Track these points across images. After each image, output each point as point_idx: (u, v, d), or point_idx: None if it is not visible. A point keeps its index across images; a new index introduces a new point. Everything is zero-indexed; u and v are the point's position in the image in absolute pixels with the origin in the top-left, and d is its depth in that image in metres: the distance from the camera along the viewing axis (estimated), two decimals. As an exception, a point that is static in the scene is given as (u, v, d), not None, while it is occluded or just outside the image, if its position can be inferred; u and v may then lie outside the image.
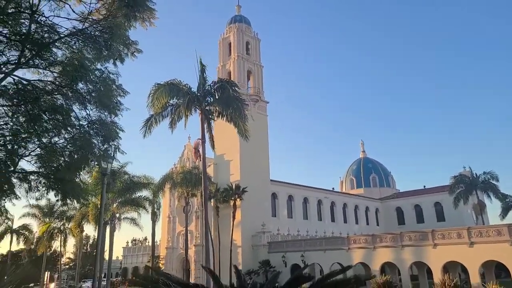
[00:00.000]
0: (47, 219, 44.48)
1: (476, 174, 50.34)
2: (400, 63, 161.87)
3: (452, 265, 32.28)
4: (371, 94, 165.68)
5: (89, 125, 11.37)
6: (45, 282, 40.82)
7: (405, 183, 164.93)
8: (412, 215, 65.72)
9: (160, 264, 52.86)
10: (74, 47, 12.11)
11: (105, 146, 11.53)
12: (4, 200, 13.43)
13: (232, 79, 41.07)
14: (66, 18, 10.89)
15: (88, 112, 11.24)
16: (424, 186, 69.85)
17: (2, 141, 13.26)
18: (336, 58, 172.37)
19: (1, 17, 11.18)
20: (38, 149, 12.66)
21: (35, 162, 12.62)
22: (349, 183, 75.95)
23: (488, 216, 59.92)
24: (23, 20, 11.80)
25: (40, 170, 12.79)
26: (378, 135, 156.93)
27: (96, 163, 12.47)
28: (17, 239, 51.29)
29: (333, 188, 67.96)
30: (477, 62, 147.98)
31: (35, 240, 51.01)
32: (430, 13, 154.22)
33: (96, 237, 28.11)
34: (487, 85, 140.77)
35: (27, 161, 12.71)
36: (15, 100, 11.47)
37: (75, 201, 13.22)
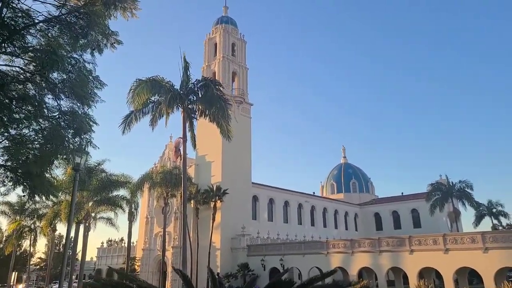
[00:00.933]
0: (18, 217, 42.64)
1: (452, 182, 51.57)
2: (384, 68, 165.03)
3: (427, 271, 32.72)
4: (354, 100, 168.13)
5: (60, 116, 10.73)
6: (11, 283, 38.92)
7: (384, 189, 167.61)
8: (390, 221, 66.70)
9: (136, 266, 51.57)
10: (50, 34, 11.49)
11: (76, 139, 10.91)
12: (-33, 194, 12.60)
13: (217, 80, 40.65)
14: (41, 1, 10.26)
15: (58, 102, 10.60)
16: (402, 193, 71.15)
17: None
18: (322, 61, 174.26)
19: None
20: (5, 141, 11.91)
21: (2, 155, 11.87)
22: (330, 188, 76.52)
23: (462, 223, 61.42)
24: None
25: (7, 163, 12.03)
26: (359, 141, 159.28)
27: (65, 157, 11.78)
28: (-15, 237, 49.13)
29: (313, 193, 68.25)
30: (457, 70, 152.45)
31: (3, 238, 48.85)
32: (414, 11, 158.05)
33: (71, 237, 26.91)
34: (469, 93, 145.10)
35: (-7, 153, 11.94)
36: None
37: (44, 197, 12.48)
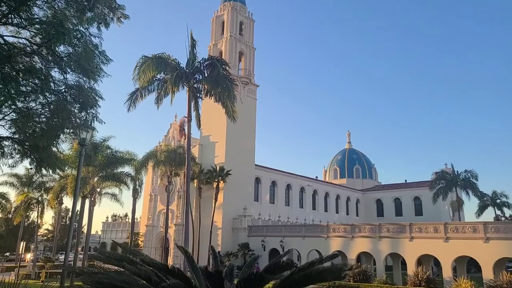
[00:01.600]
0: (26, 189, 43.43)
1: (457, 171, 51.29)
2: (391, 58, 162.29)
3: (426, 258, 33.02)
4: (361, 87, 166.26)
5: (66, 90, 10.74)
6: (20, 252, 40.07)
7: (387, 176, 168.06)
8: (392, 208, 66.96)
9: (140, 241, 52.62)
10: (56, 6, 11.36)
11: (82, 113, 10.95)
12: (-25, 165, 12.79)
13: (223, 59, 40.28)
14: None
15: (65, 76, 10.57)
16: (406, 180, 71.11)
17: (-24, 103, 12.52)
18: (328, 48, 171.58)
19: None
20: (13, 113, 12.00)
21: (10, 127, 11.98)
22: (333, 172, 76.60)
23: (464, 213, 61.51)
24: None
25: (15, 136, 12.16)
26: (364, 127, 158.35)
27: (72, 131, 11.86)
28: (-7, 207, 50.19)
29: (316, 177, 68.48)
30: (465, 61, 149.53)
31: (12, 209, 49.94)
32: (422, 9, 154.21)
33: (77, 210, 27.45)
34: (475, 84, 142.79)
35: (1, 125, 12.06)
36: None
37: (50, 170, 12.65)
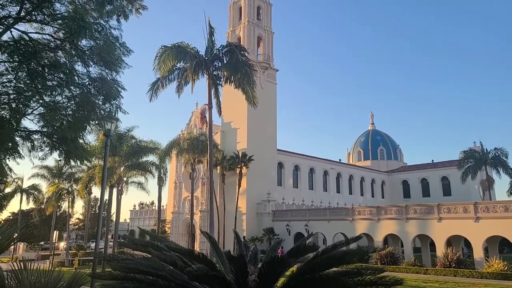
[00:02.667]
0: (56, 180, 45.14)
1: (486, 149, 49.57)
2: (414, 37, 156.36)
3: (456, 239, 32.37)
4: (383, 68, 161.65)
5: (90, 83, 10.95)
6: (54, 241, 42.06)
7: (413, 156, 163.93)
8: (418, 189, 65.67)
9: (167, 228, 54.03)
10: (77, 1, 11.48)
11: (106, 105, 11.15)
12: (8, 159, 13.32)
13: (242, 45, 39.96)
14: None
15: (88, 69, 10.76)
16: (432, 160, 69.38)
17: (6, 99, 12.95)
18: (348, 30, 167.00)
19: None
20: (40, 108, 12.36)
21: (38, 121, 12.37)
22: (357, 155, 75.58)
23: (495, 192, 59.60)
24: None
25: (43, 129, 12.55)
26: (388, 107, 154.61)
27: (97, 123, 12.14)
28: (27, 198, 52.55)
29: (339, 160, 67.78)
30: (492, 42, 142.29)
31: (44, 200, 52.17)
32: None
33: (105, 199, 28.58)
34: (501, 65, 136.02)
35: (30, 119, 12.46)
36: (15, 56, 11.04)
37: (78, 161, 13.04)
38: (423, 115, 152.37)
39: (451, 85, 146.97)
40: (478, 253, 29.17)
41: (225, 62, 25.09)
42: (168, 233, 52.55)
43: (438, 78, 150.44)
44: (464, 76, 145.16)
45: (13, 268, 6.84)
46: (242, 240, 10.01)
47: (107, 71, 10.85)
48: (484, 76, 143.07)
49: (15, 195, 50.99)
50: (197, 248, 46.25)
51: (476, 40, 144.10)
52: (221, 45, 25.44)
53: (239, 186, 44.46)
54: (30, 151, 12.44)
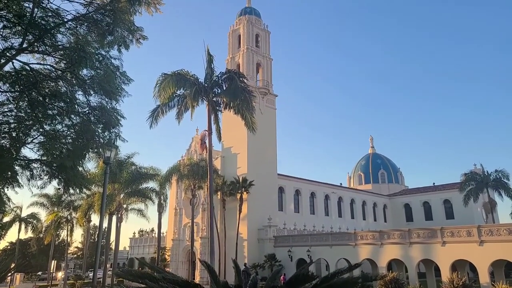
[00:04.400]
0: (55, 209, 44.83)
1: (487, 171, 49.40)
2: (413, 59, 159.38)
3: (460, 264, 31.69)
4: (382, 90, 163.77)
5: (89, 111, 11.14)
6: (52, 271, 41.25)
7: (414, 180, 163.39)
8: (421, 212, 64.96)
9: (166, 256, 53.07)
10: (78, 32, 11.84)
11: (105, 133, 11.30)
12: (7, 188, 13.32)
13: (241, 72, 40.69)
14: (70, 0, 10.56)
15: (88, 98, 10.98)
16: (434, 183, 68.92)
17: (7, 128, 13.11)
18: (347, 52, 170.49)
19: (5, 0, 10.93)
20: (40, 136, 12.49)
21: (38, 150, 12.47)
22: (357, 178, 75.25)
23: (498, 214, 58.92)
24: (26, 4, 11.56)
25: (43, 158, 12.62)
26: (387, 131, 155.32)
27: (96, 151, 12.24)
28: (26, 227, 51.96)
29: (340, 184, 67.43)
30: (490, 59, 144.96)
31: (43, 229, 51.56)
32: (450, 8, 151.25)
33: (105, 227, 28.27)
34: (501, 84, 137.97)
35: (30, 148, 12.57)
36: (16, 86, 11.28)
37: (77, 189, 13.04)
38: (423, 137, 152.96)
39: (450, 105, 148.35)
40: (484, 277, 28.47)
41: (224, 88, 25.50)
42: (168, 261, 51.56)
43: (438, 99, 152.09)
44: (464, 96, 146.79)
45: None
46: (243, 267, 9.88)
47: (107, 100, 11.08)
48: (484, 96, 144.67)
49: (14, 224, 50.46)
50: (197, 276, 45.25)
51: (477, 58, 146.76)
52: (220, 72, 25.97)
53: (240, 211, 44.03)
54: (29, 180, 12.48)
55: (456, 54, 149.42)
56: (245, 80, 26.17)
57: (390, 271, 33.66)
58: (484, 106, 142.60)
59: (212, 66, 25.36)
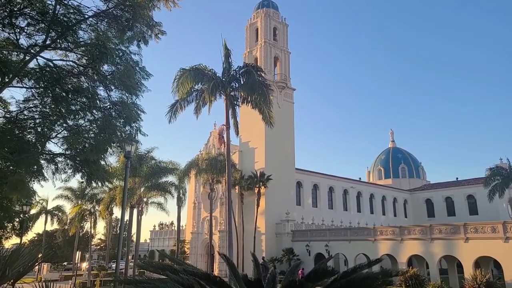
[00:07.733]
0: (79, 201, 46.08)
1: (514, 166, 47.69)
2: (435, 55, 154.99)
3: (484, 260, 30.89)
4: (403, 85, 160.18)
5: (111, 106, 11.37)
6: (76, 261, 42.60)
7: (436, 174, 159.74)
8: (443, 208, 63.48)
9: (186, 248, 53.91)
10: (99, 29, 12.06)
11: (126, 128, 11.51)
12: (33, 181, 13.80)
13: (258, 65, 40.55)
14: (90, -2, 10.74)
15: (109, 93, 11.21)
16: (457, 178, 67.17)
17: (32, 123, 13.54)
18: (367, 47, 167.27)
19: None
20: (64, 131, 12.85)
21: (62, 144, 12.83)
22: (377, 173, 74.12)
23: (525, 211, 56.94)
24: (49, 1, 11.82)
25: (67, 152, 13.00)
26: (408, 125, 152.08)
27: (118, 145, 12.51)
28: (51, 219, 53.72)
29: (359, 178, 66.59)
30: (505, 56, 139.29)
31: (68, 221, 53.21)
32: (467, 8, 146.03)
33: (126, 220, 29.07)
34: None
35: (54, 143, 12.95)
36: (41, 82, 11.61)
37: (99, 183, 13.38)
38: (445, 132, 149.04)
39: (473, 100, 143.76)
40: (509, 275, 27.66)
41: (242, 82, 25.47)
42: (187, 254, 52.38)
43: (458, 96, 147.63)
44: (485, 94, 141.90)
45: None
46: (262, 261, 9.93)
47: (127, 95, 11.26)
48: (510, 90, 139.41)
49: (40, 216, 52.24)
50: (216, 269, 45.81)
51: (500, 58, 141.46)
52: (238, 66, 25.93)
53: (258, 205, 44.17)
54: (54, 174, 12.87)
55: (478, 54, 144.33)
56: (263, 74, 26.06)
57: (411, 267, 33.16)
58: (510, 100, 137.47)
59: (230, 61, 25.34)
